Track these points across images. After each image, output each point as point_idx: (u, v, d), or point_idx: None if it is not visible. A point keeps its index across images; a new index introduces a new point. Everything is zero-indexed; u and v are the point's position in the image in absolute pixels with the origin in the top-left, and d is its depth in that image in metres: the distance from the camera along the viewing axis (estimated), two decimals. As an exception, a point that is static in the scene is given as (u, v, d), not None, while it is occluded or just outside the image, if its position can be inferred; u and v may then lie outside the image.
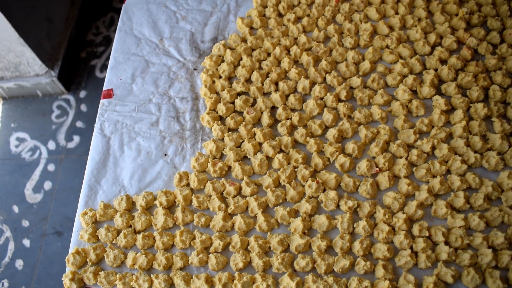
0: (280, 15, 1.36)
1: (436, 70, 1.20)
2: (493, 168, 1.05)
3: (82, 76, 2.60)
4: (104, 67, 2.60)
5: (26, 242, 2.15)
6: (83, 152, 2.34)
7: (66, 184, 2.28)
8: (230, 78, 1.25)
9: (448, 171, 1.06)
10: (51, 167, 2.34)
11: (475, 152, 1.07)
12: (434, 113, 1.12)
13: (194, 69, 1.29)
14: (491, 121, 1.12)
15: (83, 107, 2.49)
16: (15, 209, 2.24)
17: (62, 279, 1.00)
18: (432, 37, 1.24)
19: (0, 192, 2.30)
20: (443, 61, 1.22)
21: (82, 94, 2.54)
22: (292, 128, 1.15)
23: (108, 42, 2.69)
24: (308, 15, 1.34)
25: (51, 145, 2.40)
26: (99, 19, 2.80)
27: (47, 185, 2.29)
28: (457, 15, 1.30)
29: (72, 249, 1.03)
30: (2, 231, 2.19)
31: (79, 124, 2.44)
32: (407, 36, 1.27)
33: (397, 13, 1.32)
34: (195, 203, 1.05)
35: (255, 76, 1.22)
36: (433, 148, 1.08)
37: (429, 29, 1.27)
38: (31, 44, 2.27)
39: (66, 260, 1.01)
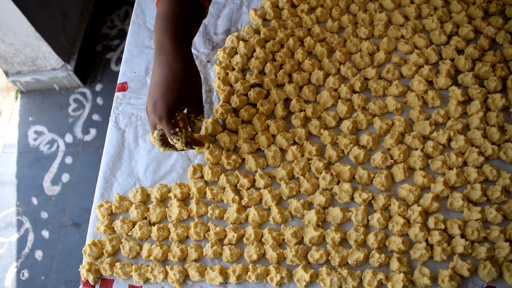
0: (293, 5, 1.35)
1: (452, 60, 1.18)
2: (511, 160, 1.03)
3: (97, 70, 2.63)
4: (119, 60, 2.62)
5: (45, 234, 2.20)
6: (99, 145, 2.37)
7: (83, 177, 2.32)
8: (243, 70, 1.25)
9: (465, 163, 1.04)
10: (68, 160, 2.38)
11: (493, 143, 1.05)
12: (450, 104, 1.10)
13: (208, 61, 1.29)
14: (509, 112, 1.09)
15: (99, 100, 2.52)
16: (34, 201, 2.29)
17: (79, 270, 1.02)
18: (449, 26, 1.22)
19: (20, 185, 2.34)
20: (460, 51, 1.20)
21: (98, 87, 2.57)
22: (306, 120, 1.14)
23: (123, 35, 2.71)
24: (322, 6, 1.33)
25: (68, 138, 2.44)
26: (113, 13, 2.82)
27: (65, 177, 2.33)
28: (474, 3, 1.27)
29: (88, 240, 1.05)
30: (22, 222, 2.24)
31: (95, 117, 2.47)
32: (423, 26, 1.25)
33: (412, 2, 1.30)
34: (209, 195, 1.06)
35: (268, 67, 1.21)
36: (449, 139, 1.07)
37: (445, 18, 1.24)
38: (47, 38, 2.30)
39: (83, 251, 1.03)
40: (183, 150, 1.02)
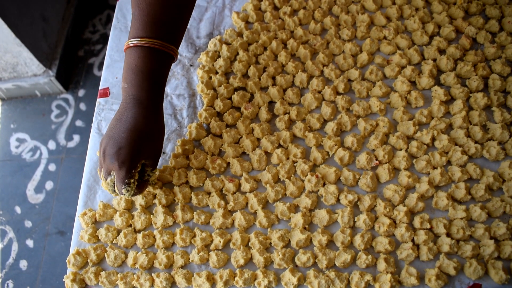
0: (276, 8, 1.35)
1: (434, 60, 1.19)
2: (494, 158, 1.04)
3: (80, 75, 2.60)
4: (102, 65, 2.59)
5: (30, 243, 2.16)
6: (83, 151, 2.34)
7: (67, 184, 2.29)
8: (226, 74, 1.24)
9: (449, 162, 1.05)
10: (52, 167, 2.34)
11: (476, 142, 1.06)
12: (433, 104, 1.11)
13: (190, 65, 1.28)
14: (491, 110, 1.10)
15: (82, 106, 2.49)
16: (18, 210, 2.25)
17: (63, 280, 1.00)
18: (430, 27, 1.23)
19: (2, 194, 2.30)
20: (442, 51, 1.21)
21: (81, 93, 2.54)
22: (291, 123, 1.14)
23: (105, 40, 2.68)
24: (304, 8, 1.33)
25: (52, 145, 2.40)
26: (95, 17, 2.79)
27: (49, 185, 2.29)
28: (455, 3, 1.28)
29: (72, 250, 1.03)
30: (5, 232, 2.20)
31: (78, 123, 2.44)
32: (405, 27, 1.26)
33: (394, 3, 1.31)
34: (194, 200, 1.05)
35: (252, 70, 1.21)
36: (433, 139, 1.07)
37: (426, 19, 1.25)
38: (27, 44, 2.26)
39: (67, 261, 1.01)
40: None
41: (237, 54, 1.26)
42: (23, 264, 2.10)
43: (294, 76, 1.20)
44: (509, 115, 1.07)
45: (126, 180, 0.94)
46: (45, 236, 2.16)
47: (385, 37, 1.25)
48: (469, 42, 1.20)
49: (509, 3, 1.27)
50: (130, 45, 0.95)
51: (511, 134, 1.06)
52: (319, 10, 1.30)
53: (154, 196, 1.07)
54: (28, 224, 2.20)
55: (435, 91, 1.13)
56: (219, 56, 1.27)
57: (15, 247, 2.15)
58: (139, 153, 0.94)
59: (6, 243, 2.16)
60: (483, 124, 1.09)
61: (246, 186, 1.05)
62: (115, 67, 1.30)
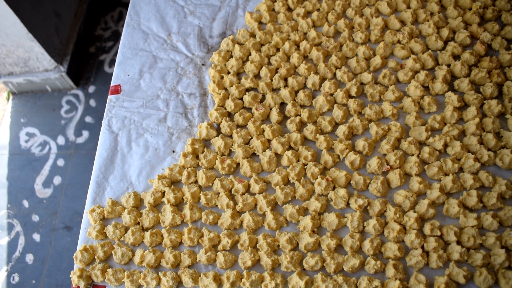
0: (289, 9, 1.34)
1: (448, 65, 1.18)
2: (506, 167, 1.03)
3: (91, 71, 2.60)
4: (112, 62, 2.59)
5: (36, 237, 2.17)
6: (92, 147, 2.34)
7: (75, 179, 2.29)
8: (238, 74, 1.24)
9: (461, 169, 1.04)
10: (60, 162, 2.35)
11: (489, 150, 1.05)
12: (446, 109, 1.10)
13: (202, 64, 1.27)
14: (505, 118, 1.09)
15: (92, 102, 2.50)
16: (25, 203, 2.26)
17: (70, 276, 1.00)
18: (445, 32, 1.21)
19: (11, 187, 2.31)
20: (456, 57, 1.20)
21: (91, 89, 2.54)
22: (302, 125, 1.13)
23: (116, 37, 2.68)
24: (318, 10, 1.32)
25: (61, 140, 2.41)
26: (107, 14, 2.80)
27: (57, 180, 2.30)
28: (470, 9, 1.27)
29: (80, 246, 1.03)
30: (12, 225, 2.21)
31: (88, 119, 2.44)
32: (419, 31, 1.25)
33: (409, 7, 1.29)
34: (203, 200, 1.04)
35: (264, 71, 1.20)
36: (446, 145, 1.06)
37: (441, 24, 1.24)
38: (39, 39, 2.27)
39: (74, 257, 1.01)
40: None
41: (250, 54, 1.25)
42: (29, 258, 2.11)
43: (306, 78, 1.20)
44: (523, 123, 1.06)
45: None
46: (52, 231, 2.17)
47: (399, 41, 1.24)
48: (484, 48, 1.18)
49: (525, 9, 1.26)
50: None
51: (525, 142, 1.05)
52: (333, 12, 1.29)
53: (163, 195, 1.07)
54: (36, 218, 2.21)
55: (448, 97, 1.12)
56: (231, 56, 1.27)
57: (21, 240, 2.16)
58: None
59: (13, 237, 2.17)
60: (497, 132, 1.07)
61: (255, 187, 1.05)
62: (127, 64, 1.30)
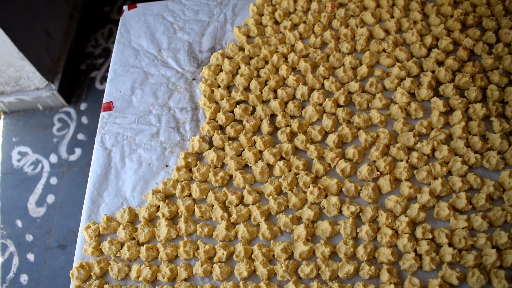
0: (276, 22, 1.37)
1: (433, 72, 1.21)
2: (494, 168, 1.05)
3: (82, 89, 2.61)
4: (104, 79, 2.61)
5: (31, 257, 2.15)
6: (85, 165, 2.34)
7: (69, 197, 2.29)
8: (229, 87, 1.26)
9: (449, 173, 1.06)
10: (53, 181, 2.34)
11: (475, 152, 1.07)
12: (433, 115, 1.12)
13: (193, 79, 1.29)
14: (490, 120, 1.12)
15: (84, 120, 2.50)
16: (19, 223, 2.24)
17: (67, 293, 1.00)
18: (428, 39, 1.25)
19: (3, 207, 2.30)
20: (440, 63, 1.23)
21: (83, 106, 2.55)
22: (292, 135, 1.15)
23: (107, 53, 2.70)
24: (305, 22, 1.35)
25: (53, 158, 2.40)
26: (97, 31, 2.82)
27: (50, 198, 2.29)
28: (452, 16, 1.30)
29: (76, 263, 1.04)
30: (6, 246, 2.19)
31: (80, 136, 2.44)
32: (403, 39, 1.28)
33: (392, 16, 1.33)
34: (197, 213, 1.05)
35: (253, 84, 1.22)
36: (433, 150, 1.08)
37: (424, 32, 1.28)
38: (30, 58, 2.28)
39: (70, 274, 1.01)
40: None
41: (239, 68, 1.28)
42: (24, 278, 2.09)
43: (295, 89, 1.22)
44: (508, 125, 1.09)
45: None
46: (46, 250, 2.15)
47: (384, 50, 1.27)
48: (466, 54, 1.22)
49: (505, 15, 1.29)
50: None
51: (510, 143, 1.08)
52: (319, 24, 1.32)
53: (158, 209, 1.08)
54: (29, 237, 2.19)
55: (434, 102, 1.14)
56: (221, 70, 1.29)
57: (15, 261, 2.14)
58: None
59: (6, 257, 2.15)
60: (483, 134, 1.10)
61: (249, 198, 1.06)
62: (118, 81, 1.32)
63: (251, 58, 1.29)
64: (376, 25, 1.29)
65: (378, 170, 1.07)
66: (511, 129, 1.09)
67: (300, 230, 1.00)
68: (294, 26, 1.35)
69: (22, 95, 2.48)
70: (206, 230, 1.03)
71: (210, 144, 1.16)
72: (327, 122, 1.14)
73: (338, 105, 1.19)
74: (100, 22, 2.85)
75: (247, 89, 1.25)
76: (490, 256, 0.93)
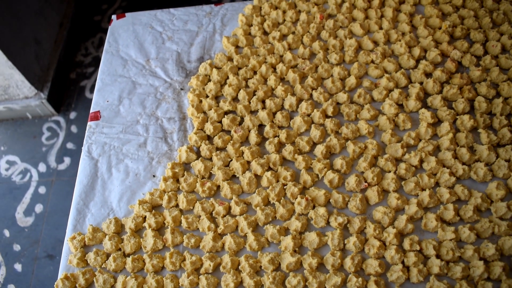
0: (265, 33, 1.37)
1: (421, 83, 1.21)
2: (481, 179, 1.05)
3: (72, 97, 2.60)
4: (94, 88, 2.59)
5: (18, 267, 2.12)
6: (74, 174, 2.32)
7: (57, 207, 2.26)
8: (217, 97, 1.26)
9: (437, 184, 1.06)
10: (42, 190, 2.32)
11: (463, 164, 1.08)
12: (421, 126, 1.13)
13: (181, 89, 1.29)
14: (478, 132, 1.12)
15: (74, 128, 2.49)
16: (6, 233, 2.21)
17: (51, 306, 0.98)
18: (416, 51, 1.25)
19: (-10, 217, 2.27)
20: (428, 74, 1.23)
21: (72, 115, 2.54)
22: (280, 146, 1.15)
23: (97, 62, 2.69)
24: (293, 33, 1.35)
25: (42, 167, 2.38)
26: (88, 40, 2.81)
27: (38, 208, 2.27)
28: (440, 28, 1.31)
29: (61, 274, 1.02)
30: (-8, 256, 2.16)
31: (69, 145, 2.43)
32: (392, 51, 1.29)
33: (381, 28, 1.34)
34: (184, 224, 1.04)
35: (241, 94, 1.22)
36: (421, 161, 1.09)
37: (413, 43, 1.28)
38: (19, 66, 2.27)
39: (55, 286, 0.99)
40: None
41: (227, 78, 1.27)
42: (11, 289, 2.06)
43: (283, 100, 1.22)
44: (495, 137, 1.09)
45: None
46: (34, 260, 2.12)
47: (372, 61, 1.27)
48: (454, 66, 1.22)
49: (492, 27, 1.30)
50: None
51: (497, 155, 1.08)
52: (308, 35, 1.32)
53: (144, 219, 1.07)
54: (17, 247, 2.16)
55: (422, 113, 1.15)
56: (209, 80, 1.29)
57: (2, 271, 2.11)
58: None
59: (-7, 268, 2.12)
60: (470, 146, 1.10)
61: (236, 209, 1.05)
62: (106, 91, 1.31)
63: (239, 68, 1.29)
64: (365, 36, 1.30)
65: (366, 181, 1.07)
66: (499, 141, 1.10)
67: (288, 241, 0.99)
68: (283, 37, 1.35)
69: (11, 103, 2.46)
70: (192, 241, 1.02)
71: (198, 154, 1.15)
72: (315, 133, 1.13)
73: (327, 116, 1.19)
74: (90, 31, 2.84)
75: (235, 99, 1.24)
76: (477, 268, 0.93)
